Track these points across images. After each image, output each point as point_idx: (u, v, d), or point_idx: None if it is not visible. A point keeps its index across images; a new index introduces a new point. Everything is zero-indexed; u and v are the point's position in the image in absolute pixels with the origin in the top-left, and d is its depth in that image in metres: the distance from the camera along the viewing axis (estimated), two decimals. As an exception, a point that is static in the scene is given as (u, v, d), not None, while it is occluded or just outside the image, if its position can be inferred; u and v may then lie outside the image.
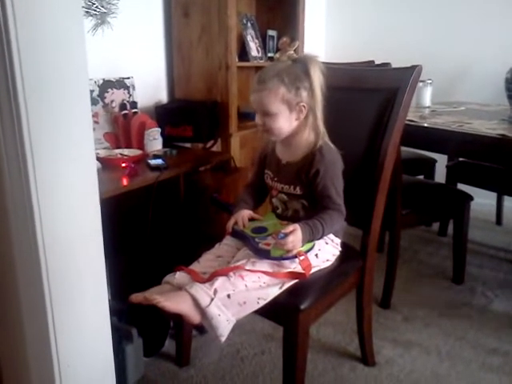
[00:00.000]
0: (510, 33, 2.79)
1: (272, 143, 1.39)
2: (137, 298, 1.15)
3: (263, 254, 1.20)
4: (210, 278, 1.16)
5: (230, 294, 1.12)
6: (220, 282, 1.13)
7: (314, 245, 1.24)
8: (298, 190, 1.30)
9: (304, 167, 1.28)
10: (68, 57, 0.84)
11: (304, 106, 1.25)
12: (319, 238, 1.25)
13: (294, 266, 1.20)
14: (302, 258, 1.18)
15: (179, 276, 1.21)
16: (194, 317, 1.12)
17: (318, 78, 1.24)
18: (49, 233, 0.86)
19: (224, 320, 1.12)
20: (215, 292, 1.12)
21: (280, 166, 1.34)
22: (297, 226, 1.18)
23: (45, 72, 0.82)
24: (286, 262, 1.20)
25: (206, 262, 1.27)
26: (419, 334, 1.77)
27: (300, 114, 1.26)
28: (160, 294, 1.11)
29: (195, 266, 1.26)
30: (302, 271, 1.19)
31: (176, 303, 1.10)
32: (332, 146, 1.30)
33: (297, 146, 1.31)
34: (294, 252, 1.17)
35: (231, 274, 1.15)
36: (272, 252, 1.19)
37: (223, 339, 1.14)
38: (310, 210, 1.31)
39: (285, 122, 1.26)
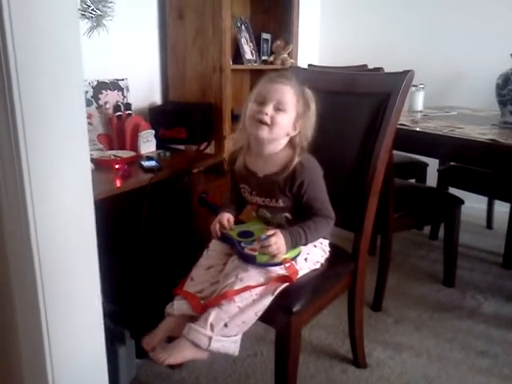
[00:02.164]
0: (502, 39, 2.82)
1: (241, 157, 1.32)
2: (148, 344, 1.18)
3: (249, 260, 1.19)
4: (203, 310, 1.16)
5: (226, 323, 1.13)
6: (214, 315, 1.13)
7: (299, 252, 1.24)
8: (280, 203, 1.28)
9: (287, 180, 1.24)
10: (63, 59, 0.85)
11: (296, 128, 1.25)
12: (303, 244, 1.24)
13: (282, 272, 1.20)
14: (287, 264, 1.18)
15: (178, 305, 1.21)
16: (202, 356, 1.15)
17: (314, 114, 1.26)
18: (43, 234, 0.86)
19: (229, 344, 1.15)
20: (212, 327, 1.12)
21: (258, 179, 1.29)
22: (277, 230, 1.17)
23: (40, 74, 0.82)
24: (274, 268, 1.19)
25: (198, 278, 1.26)
26: (410, 337, 1.79)
27: (291, 131, 1.25)
28: (163, 350, 1.14)
29: (190, 286, 1.25)
30: (288, 277, 1.19)
31: (179, 354, 1.13)
32: (306, 153, 1.28)
33: (273, 159, 1.26)
34: (280, 257, 1.17)
35: (222, 301, 1.14)
36: (258, 258, 1.18)
37: (236, 354, 1.17)
38: (293, 222, 1.28)
39: (286, 127, 1.23)
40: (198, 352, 1.14)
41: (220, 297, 1.15)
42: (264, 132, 1.21)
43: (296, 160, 1.24)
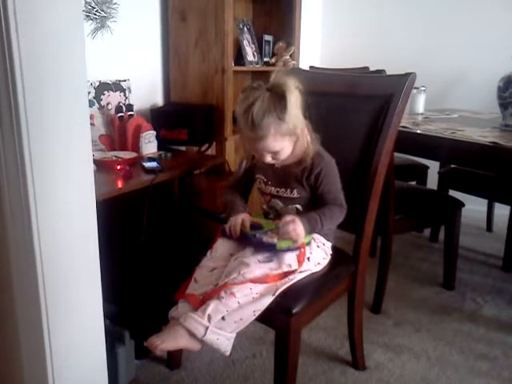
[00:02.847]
0: (503, 41, 2.83)
1: None
2: (153, 346, 1.15)
3: (269, 248, 1.22)
4: (203, 302, 1.17)
5: (224, 316, 1.13)
6: (212, 306, 1.13)
7: (311, 238, 1.27)
8: (295, 193, 1.31)
9: (305, 169, 1.29)
10: (67, 60, 0.85)
11: (298, 129, 1.26)
12: (320, 229, 1.27)
13: (288, 263, 1.22)
14: (302, 250, 1.22)
15: (181, 308, 1.21)
16: (194, 346, 1.15)
17: (297, 99, 1.21)
18: (45, 234, 0.87)
19: (224, 340, 1.15)
20: (209, 318, 1.12)
21: (274, 169, 1.34)
22: (295, 217, 1.21)
23: (44, 75, 0.83)
24: (285, 258, 1.22)
25: (202, 280, 1.26)
26: (409, 339, 1.79)
27: (296, 136, 1.27)
28: (156, 336, 1.13)
29: (194, 288, 1.25)
30: (291, 269, 1.21)
31: (173, 341, 1.13)
32: (321, 147, 1.33)
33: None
34: (300, 242, 1.20)
35: (222, 293, 1.15)
36: (278, 244, 1.21)
37: (228, 353, 1.17)
38: (303, 214, 1.31)
39: (290, 148, 1.27)
40: (192, 341, 1.13)
41: (220, 288, 1.16)
42: (272, 161, 1.29)
43: (311, 149, 1.28)
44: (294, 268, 1.22)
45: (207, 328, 1.12)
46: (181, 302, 1.22)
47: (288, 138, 1.24)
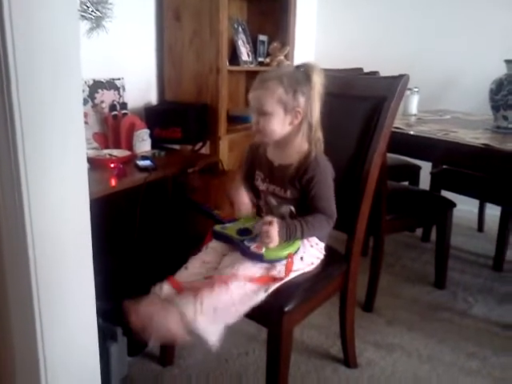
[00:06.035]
0: (496, 44, 2.85)
1: (263, 145, 1.39)
2: (130, 314, 1.15)
3: (256, 258, 1.20)
4: (195, 291, 1.17)
5: (216, 308, 1.13)
6: (205, 294, 1.13)
7: (299, 246, 1.26)
8: (288, 194, 1.31)
9: (298, 173, 1.28)
10: (63, 59, 0.86)
11: (299, 112, 1.26)
12: (300, 238, 1.26)
13: (279, 269, 1.22)
14: (290, 260, 1.21)
15: (166, 288, 1.21)
16: (182, 333, 1.11)
17: (318, 87, 1.25)
18: (38, 232, 0.87)
19: (212, 329, 1.13)
20: (201, 304, 1.12)
21: (272, 168, 1.35)
22: (275, 219, 1.20)
23: (39, 74, 0.83)
24: (274, 265, 1.22)
25: (193, 269, 1.27)
26: (401, 337, 1.80)
27: (294, 119, 1.27)
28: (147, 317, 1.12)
29: (183, 273, 1.26)
30: (280, 276, 1.21)
31: (163, 319, 1.11)
32: (323, 154, 1.32)
33: (289, 150, 1.32)
34: (272, 245, 1.19)
35: (215, 285, 1.14)
36: (266, 255, 1.19)
37: (215, 347, 1.14)
38: (296, 216, 1.31)
39: (278, 124, 1.26)
40: (181, 326, 1.10)
41: (213, 280, 1.16)
42: (260, 138, 1.32)
43: (312, 153, 1.28)
44: (281, 276, 1.22)
45: (198, 311, 1.10)
46: (166, 283, 1.22)
47: (282, 110, 1.25)
